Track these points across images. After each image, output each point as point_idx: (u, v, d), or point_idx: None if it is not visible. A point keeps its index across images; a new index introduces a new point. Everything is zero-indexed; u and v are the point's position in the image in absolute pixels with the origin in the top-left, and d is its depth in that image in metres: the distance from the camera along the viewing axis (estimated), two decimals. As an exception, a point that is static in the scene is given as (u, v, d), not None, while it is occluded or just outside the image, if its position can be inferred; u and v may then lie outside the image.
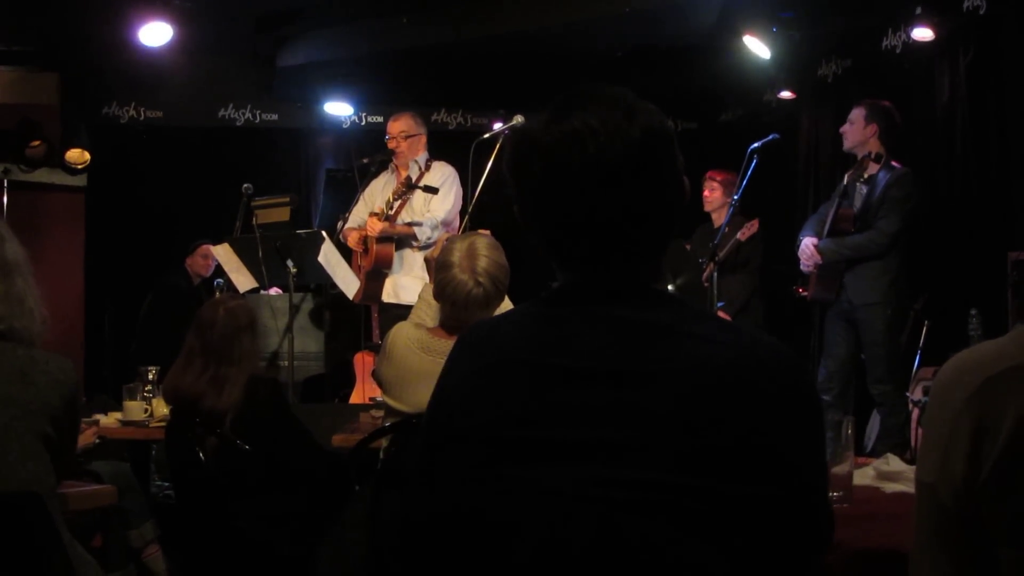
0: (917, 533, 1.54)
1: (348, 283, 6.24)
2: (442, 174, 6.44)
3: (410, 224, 6.35)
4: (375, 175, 6.68)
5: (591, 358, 1.53)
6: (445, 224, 6.33)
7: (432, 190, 6.28)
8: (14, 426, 2.45)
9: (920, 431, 5.88)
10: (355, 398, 6.46)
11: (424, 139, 6.60)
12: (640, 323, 1.55)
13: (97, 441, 4.52)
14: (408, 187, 6.29)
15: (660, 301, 1.59)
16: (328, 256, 6.15)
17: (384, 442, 3.45)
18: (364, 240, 6.45)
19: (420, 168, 6.49)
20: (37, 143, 8.38)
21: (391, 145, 6.54)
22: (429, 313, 3.73)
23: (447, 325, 3.51)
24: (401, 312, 6.30)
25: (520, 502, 1.49)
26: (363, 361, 6.48)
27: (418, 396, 3.33)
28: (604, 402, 1.50)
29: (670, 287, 6.70)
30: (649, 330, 1.54)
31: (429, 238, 6.28)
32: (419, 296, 3.96)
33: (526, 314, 1.65)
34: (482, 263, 3.41)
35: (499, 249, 3.49)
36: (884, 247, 5.85)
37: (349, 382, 6.81)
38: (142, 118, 9.29)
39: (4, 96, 8.71)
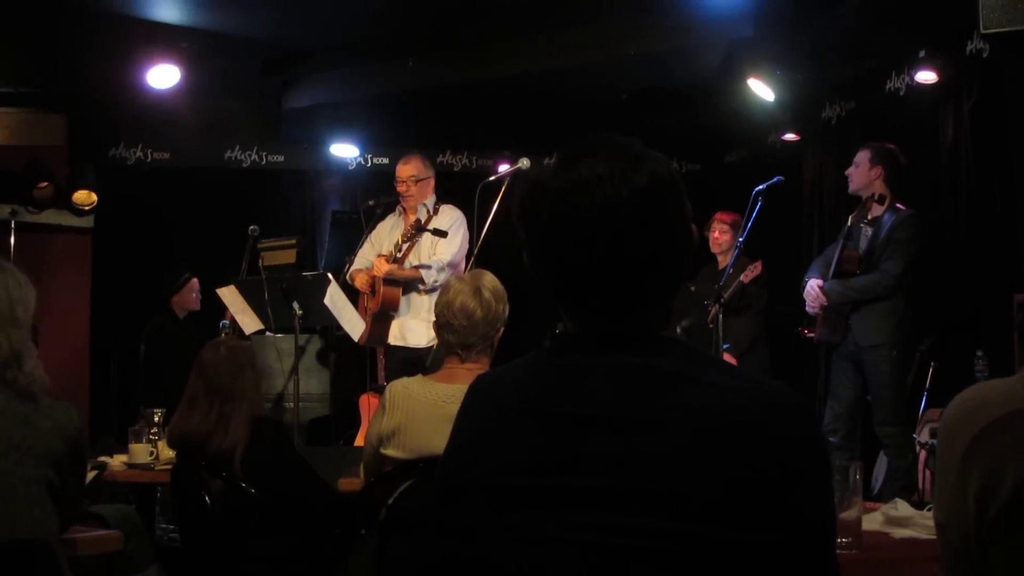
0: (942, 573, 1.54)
1: (354, 325, 6.24)
2: (450, 218, 6.45)
3: (417, 267, 6.36)
4: (381, 217, 6.70)
5: (598, 406, 1.53)
6: (452, 267, 6.34)
7: (442, 233, 6.29)
8: (18, 472, 2.45)
9: (928, 473, 5.87)
10: (360, 440, 6.44)
11: (432, 182, 6.61)
12: (647, 370, 1.55)
13: (95, 472, 4.50)
14: (417, 230, 6.30)
15: (668, 348, 1.59)
16: (334, 298, 6.15)
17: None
18: (372, 282, 6.46)
19: (428, 211, 6.50)
20: (44, 184, 8.41)
21: (400, 188, 6.54)
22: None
23: (448, 362, 3.51)
24: (408, 354, 6.31)
25: (526, 550, 1.49)
26: (368, 403, 6.47)
27: (418, 441, 3.33)
28: (611, 449, 1.50)
29: (678, 329, 6.69)
30: (656, 377, 1.55)
31: (436, 281, 6.29)
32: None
33: (533, 363, 1.66)
34: (485, 280, 3.47)
35: (500, 284, 3.53)
36: (889, 289, 5.85)
37: (354, 424, 6.80)
38: (149, 159, 9.31)
39: (12, 138, 8.76)
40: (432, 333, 6.16)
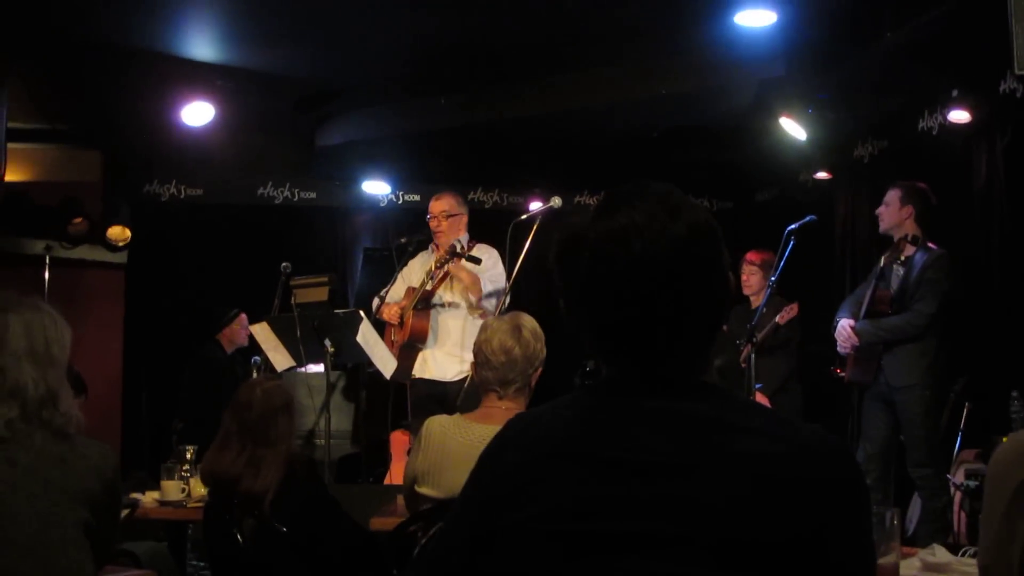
0: None
1: (386, 362, 6.25)
2: (488, 254, 6.42)
3: (480, 277, 6.30)
4: (413, 254, 6.71)
5: (639, 451, 1.53)
6: (496, 295, 6.31)
7: (476, 260, 6.26)
8: (55, 512, 2.45)
9: (962, 515, 5.80)
10: (391, 478, 6.44)
11: (465, 219, 6.59)
12: (688, 416, 1.56)
13: (127, 510, 4.51)
14: (452, 255, 6.26)
15: (708, 394, 1.59)
16: (366, 336, 6.17)
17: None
18: (400, 314, 6.45)
19: (462, 247, 6.50)
20: (79, 220, 8.50)
21: (432, 224, 6.55)
22: None
23: (485, 406, 3.52)
24: (433, 388, 6.30)
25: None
26: (399, 440, 6.47)
27: (453, 481, 3.32)
28: (652, 495, 1.50)
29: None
30: (697, 423, 1.55)
31: (489, 300, 6.29)
32: None
33: (572, 406, 1.66)
34: (524, 320, 3.51)
35: (539, 326, 3.55)
36: (921, 329, 5.81)
37: (384, 461, 6.80)
38: (183, 196, 9.39)
39: (48, 174, 8.85)
40: (459, 367, 6.23)
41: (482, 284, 6.28)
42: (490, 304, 6.28)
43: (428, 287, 6.35)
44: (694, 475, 1.50)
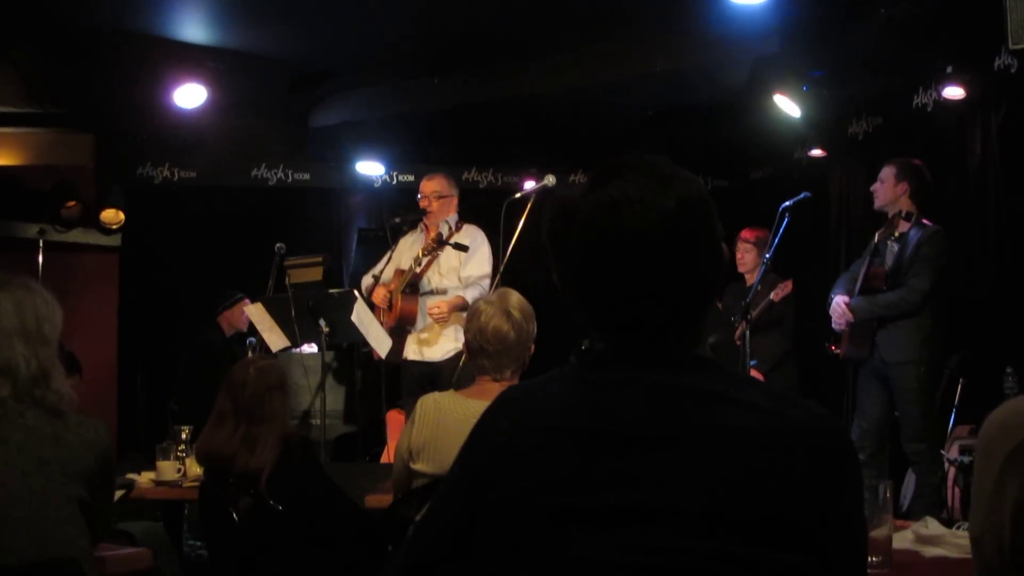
0: None
1: (381, 342, 6.25)
2: (472, 236, 6.44)
3: (460, 297, 6.31)
4: (406, 234, 6.71)
5: (631, 424, 1.53)
6: (483, 276, 6.33)
7: (462, 247, 6.28)
8: (50, 490, 2.46)
9: (956, 490, 5.82)
10: (387, 457, 6.45)
11: (455, 201, 6.59)
12: (681, 389, 1.55)
13: (123, 490, 4.52)
14: (438, 243, 6.28)
15: (700, 367, 1.59)
16: (361, 315, 6.16)
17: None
18: (389, 296, 6.45)
19: (450, 228, 6.50)
20: (72, 204, 8.48)
21: (423, 204, 6.56)
22: None
23: (480, 381, 3.53)
24: (424, 369, 6.31)
25: (561, 569, 1.48)
26: (395, 419, 6.47)
27: (447, 457, 3.31)
28: (644, 468, 1.50)
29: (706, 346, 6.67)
30: (689, 396, 1.55)
31: (475, 280, 6.33)
32: None
33: (564, 379, 1.65)
34: (512, 300, 3.51)
35: (527, 302, 3.55)
36: (916, 305, 5.81)
37: (380, 441, 6.80)
38: (176, 178, 9.38)
39: (40, 157, 8.82)
40: (450, 345, 6.24)
41: (466, 292, 6.30)
42: (477, 291, 6.27)
43: (416, 271, 6.35)
44: (686, 448, 1.50)
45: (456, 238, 6.42)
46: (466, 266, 6.36)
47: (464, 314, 6.26)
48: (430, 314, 6.29)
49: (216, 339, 8.32)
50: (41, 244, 8.31)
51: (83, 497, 2.52)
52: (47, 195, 8.48)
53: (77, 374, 4.91)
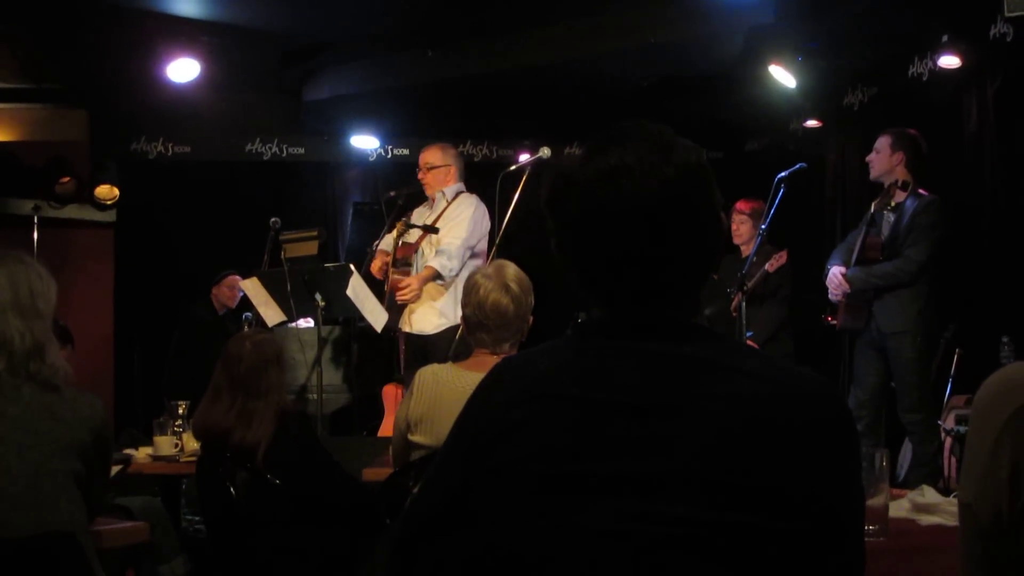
0: (960, 556, 1.52)
1: (376, 315, 6.24)
2: (461, 205, 6.38)
3: (428, 267, 6.27)
4: (403, 208, 6.68)
5: (629, 392, 1.52)
6: (468, 250, 6.27)
7: (432, 229, 6.24)
8: (46, 464, 2.46)
9: (953, 460, 5.84)
10: (383, 431, 6.45)
11: (453, 170, 6.52)
12: (678, 357, 1.55)
13: (120, 466, 4.52)
14: (407, 227, 6.25)
15: (698, 335, 1.58)
16: (356, 289, 6.15)
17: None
18: (384, 268, 6.43)
19: (447, 200, 6.48)
20: (67, 180, 8.46)
21: (419, 176, 6.54)
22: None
23: (478, 353, 3.53)
24: (416, 341, 6.31)
25: (558, 538, 1.48)
26: (392, 394, 6.47)
27: (445, 429, 3.30)
28: (641, 436, 1.49)
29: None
30: (687, 364, 1.54)
31: (452, 270, 6.22)
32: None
33: (562, 348, 1.64)
34: (510, 272, 3.50)
35: (524, 274, 3.54)
36: (913, 275, 5.81)
37: (378, 415, 6.80)
38: (170, 153, 9.36)
39: (34, 133, 8.80)
40: (437, 320, 6.23)
41: (433, 261, 6.22)
42: (443, 258, 6.22)
43: (400, 246, 6.33)
44: (683, 416, 1.49)
45: (450, 209, 6.39)
46: (443, 236, 6.32)
47: (441, 283, 6.26)
48: (398, 295, 6.26)
49: (207, 315, 8.34)
50: (36, 220, 8.29)
51: (79, 471, 2.52)
52: (41, 171, 8.46)
53: (69, 345, 4.91)
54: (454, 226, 6.31)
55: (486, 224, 6.38)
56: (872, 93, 7.62)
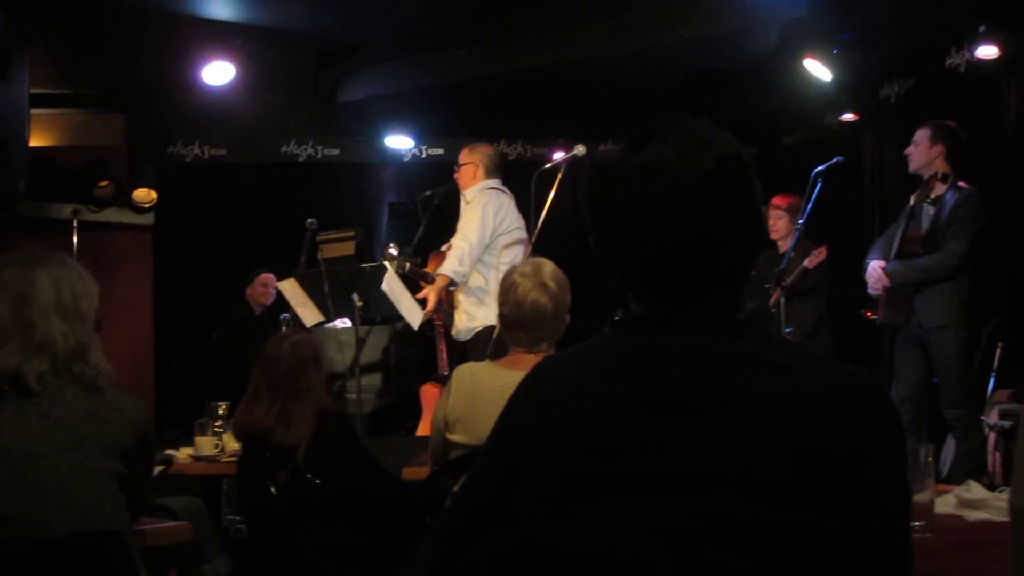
0: (1012, 562, 1.50)
1: (412, 313, 6.24)
2: (474, 205, 6.30)
3: (441, 275, 6.21)
4: (438, 207, 6.69)
5: (671, 389, 1.51)
6: (480, 249, 6.18)
7: (425, 277, 6.29)
8: (88, 465, 2.47)
9: (997, 455, 5.78)
10: (422, 430, 6.46)
11: (478, 169, 6.42)
12: (720, 353, 1.53)
13: (162, 467, 4.55)
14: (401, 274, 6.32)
15: (740, 331, 1.57)
16: (391, 285, 6.15)
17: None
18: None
19: (466, 202, 6.44)
20: (105, 183, 8.56)
21: (455, 175, 6.55)
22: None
23: (514, 351, 3.52)
24: (460, 345, 6.32)
25: (603, 535, 1.47)
26: (430, 393, 6.49)
27: (483, 427, 3.29)
28: (684, 433, 1.48)
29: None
30: (729, 360, 1.53)
31: (461, 274, 6.17)
32: None
33: (603, 345, 1.63)
34: (547, 271, 3.48)
35: (560, 271, 3.53)
36: (953, 269, 5.75)
37: (415, 414, 6.82)
38: (206, 156, 9.42)
39: (73, 138, 8.89)
40: (468, 324, 6.23)
41: (443, 268, 6.20)
42: (453, 262, 6.19)
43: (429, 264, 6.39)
44: (728, 413, 1.48)
45: (464, 211, 6.34)
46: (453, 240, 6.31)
47: (453, 288, 6.24)
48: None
49: (245, 316, 8.40)
50: (75, 224, 8.38)
51: (122, 472, 2.53)
52: (80, 175, 8.57)
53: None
54: (463, 227, 6.28)
55: (503, 215, 6.29)
56: (909, 85, 7.55)
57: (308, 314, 6.51)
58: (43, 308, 2.53)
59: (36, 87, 6.72)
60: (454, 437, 3.45)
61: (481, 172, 6.46)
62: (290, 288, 6.55)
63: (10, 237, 7.54)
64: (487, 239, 6.23)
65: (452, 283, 6.22)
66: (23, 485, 2.39)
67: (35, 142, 7.48)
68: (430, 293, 6.19)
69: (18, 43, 6.09)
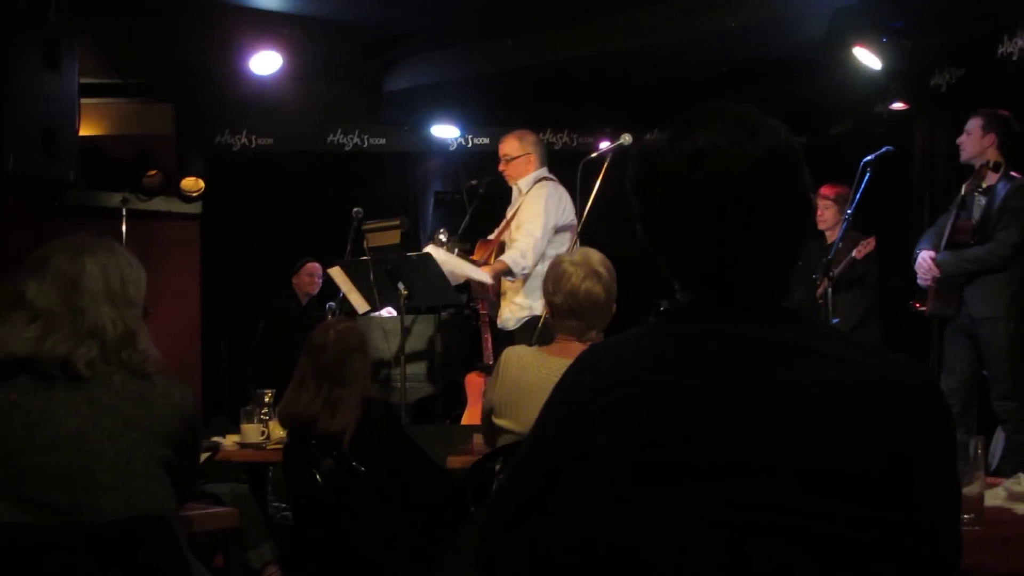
0: None
1: (476, 274, 6.25)
2: (536, 196, 6.31)
3: (500, 261, 6.24)
4: (484, 196, 6.69)
5: (719, 377, 1.50)
6: (545, 243, 6.19)
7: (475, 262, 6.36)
8: (136, 450, 2.49)
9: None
10: (467, 419, 6.47)
11: (532, 158, 6.44)
12: (768, 342, 1.52)
13: (208, 453, 4.59)
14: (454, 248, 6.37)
15: (789, 320, 1.56)
16: (440, 256, 6.16)
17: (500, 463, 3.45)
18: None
19: (520, 192, 6.43)
20: (153, 172, 8.64)
21: (500, 168, 6.53)
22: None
23: (561, 339, 3.53)
24: (506, 335, 6.32)
25: (649, 526, 1.47)
26: (475, 382, 6.49)
27: (530, 414, 3.31)
28: (732, 422, 1.47)
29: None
30: (777, 349, 1.52)
31: (524, 268, 6.17)
32: None
33: (650, 334, 1.63)
34: (596, 258, 3.51)
35: (607, 259, 3.54)
36: (1005, 259, 5.69)
37: (460, 403, 6.83)
38: (253, 146, 9.48)
39: (122, 127, 8.98)
40: (515, 315, 6.22)
41: (513, 261, 6.19)
42: (516, 253, 6.19)
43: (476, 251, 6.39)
44: (776, 403, 1.47)
45: (524, 203, 6.34)
46: (516, 232, 6.30)
47: (510, 278, 6.24)
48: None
49: (292, 305, 8.46)
50: (124, 213, 8.47)
51: (169, 458, 2.55)
52: (129, 164, 8.66)
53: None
54: (526, 221, 6.26)
55: (563, 205, 6.29)
56: (960, 74, 7.44)
57: (359, 300, 6.55)
58: (92, 294, 2.55)
59: (86, 77, 6.78)
60: (500, 422, 3.47)
61: (535, 160, 6.45)
62: (338, 275, 6.59)
63: (60, 225, 7.63)
64: (551, 233, 6.23)
65: (510, 272, 6.21)
66: (71, 470, 2.41)
67: (85, 131, 7.57)
68: (488, 269, 6.22)
69: (68, 33, 6.14)
